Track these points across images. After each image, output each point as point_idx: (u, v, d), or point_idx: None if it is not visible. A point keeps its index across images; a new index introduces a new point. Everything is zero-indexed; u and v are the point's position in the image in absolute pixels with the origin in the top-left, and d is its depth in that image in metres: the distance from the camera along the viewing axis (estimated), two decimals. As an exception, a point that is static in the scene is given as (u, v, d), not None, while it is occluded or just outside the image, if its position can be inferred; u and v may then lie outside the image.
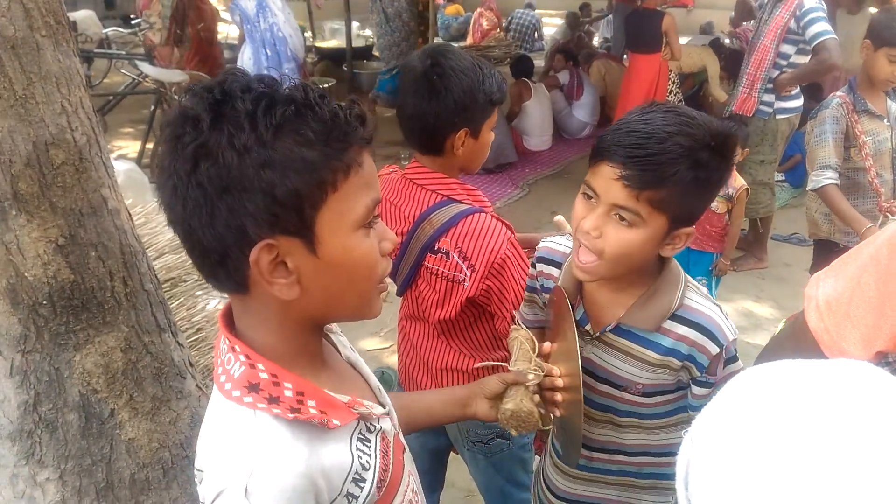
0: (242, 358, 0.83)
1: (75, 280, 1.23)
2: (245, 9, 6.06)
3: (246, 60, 5.83)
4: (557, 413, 1.29)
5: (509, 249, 1.60)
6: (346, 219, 0.81)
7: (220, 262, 0.80)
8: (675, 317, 1.22)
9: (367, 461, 0.89)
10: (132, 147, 6.26)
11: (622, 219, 1.12)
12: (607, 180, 1.12)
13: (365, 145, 0.83)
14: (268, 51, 5.83)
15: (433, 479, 2.11)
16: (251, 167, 0.74)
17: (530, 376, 1.26)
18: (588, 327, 1.31)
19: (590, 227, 1.14)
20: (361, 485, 0.88)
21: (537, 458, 2.04)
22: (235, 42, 10.18)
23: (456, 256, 1.61)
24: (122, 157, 5.81)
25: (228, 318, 0.89)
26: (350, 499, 0.87)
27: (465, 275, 1.61)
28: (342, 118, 0.80)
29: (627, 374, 1.28)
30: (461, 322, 1.74)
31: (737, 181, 3.42)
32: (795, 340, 1.04)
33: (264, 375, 0.82)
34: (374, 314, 0.91)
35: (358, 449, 0.89)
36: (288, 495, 0.79)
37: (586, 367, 1.30)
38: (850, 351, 0.93)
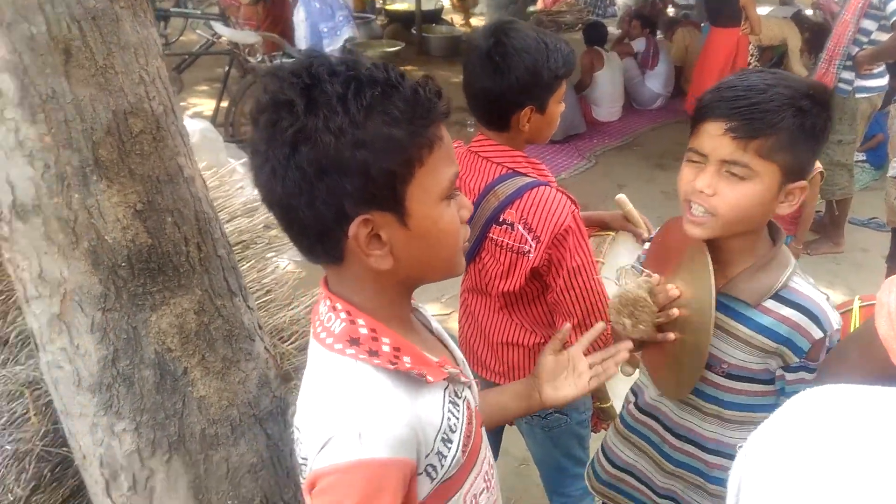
0: (343, 315, 0.88)
1: (153, 244, 1.28)
2: None
3: (300, 16, 5.96)
4: (671, 337, 1.27)
5: (572, 222, 1.61)
6: (432, 192, 0.85)
7: (319, 238, 0.85)
8: (778, 297, 1.20)
9: (454, 423, 0.93)
10: (207, 105, 6.42)
11: (733, 174, 1.11)
12: (713, 137, 1.12)
13: (443, 120, 0.88)
14: (317, 3, 5.92)
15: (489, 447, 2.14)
16: (347, 148, 0.78)
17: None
18: None
19: (703, 186, 1.14)
20: (449, 445, 0.91)
21: (594, 434, 2.05)
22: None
23: (521, 228, 1.63)
24: (196, 115, 5.97)
25: (327, 283, 0.94)
26: (440, 457, 0.90)
27: (531, 246, 1.63)
28: (423, 96, 0.83)
29: (716, 349, 1.25)
30: (525, 296, 1.75)
31: (816, 165, 3.27)
32: (864, 345, 1.01)
33: (364, 331, 0.87)
34: (458, 273, 0.97)
35: (448, 410, 0.93)
36: (398, 442, 0.82)
37: None
38: None
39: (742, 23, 5.21)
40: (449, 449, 0.91)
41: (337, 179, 0.79)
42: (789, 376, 1.22)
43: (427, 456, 0.88)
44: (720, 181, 1.13)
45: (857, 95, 4.00)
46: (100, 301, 1.25)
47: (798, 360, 1.19)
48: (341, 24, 5.89)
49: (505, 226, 1.66)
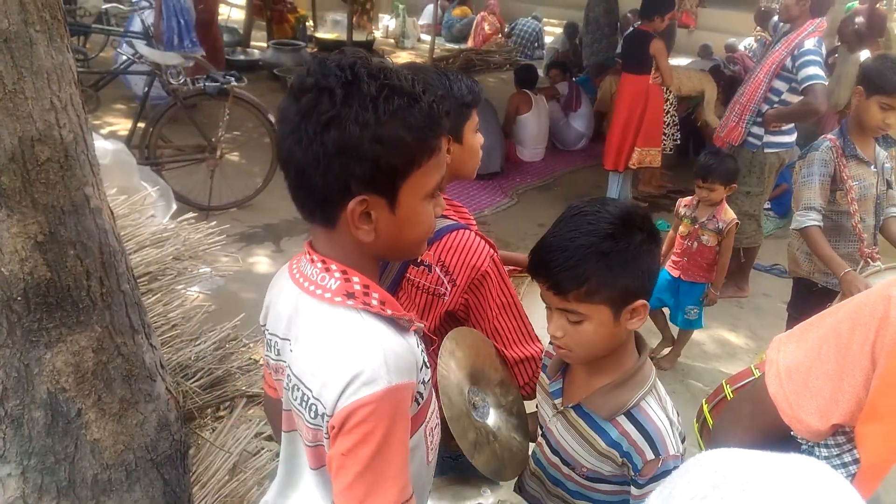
0: (338, 274, 1.03)
1: (52, 278, 1.23)
2: None
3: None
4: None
5: (490, 266, 1.63)
6: (421, 190, 1.03)
7: (320, 203, 1.01)
8: (628, 414, 1.28)
9: (426, 362, 1.11)
10: (123, 125, 6.21)
11: (570, 320, 1.27)
12: (545, 292, 1.30)
13: (446, 134, 1.07)
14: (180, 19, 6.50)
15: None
16: (367, 140, 0.95)
17: None
18: (558, 401, 1.41)
19: (553, 331, 1.31)
20: (425, 379, 1.09)
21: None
22: (235, 26, 10.14)
23: (438, 270, 1.63)
24: (112, 134, 5.76)
25: (312, 247, 1.09)
26: (422, 386, 1.08)
27: (447, 288, 1.63)
28: (436, 111, 1.02)
29: (575, 453, 1.36)
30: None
31: (727, 214, 3.48)
32: (755, 403, 1.06)
33: (357, 287, 1.03)
34: (416, 256, 1.32)
35: (421, 350, 1.11)
36: (409, 367, 1.01)
37: (546, 437, 1.45)
38: (808, 421, 0.94)
39: (653, 71, 5.45)
40: (425, 383, 1.09)
41: (351, 162, 0.96)
42: (633, 490, 1.31)
43: (420, 383, 1.05)
44: (566, 324, 1.27)
45: (766, 150, 4.23)
46: (-10, 337, 1.19)
47: (634, 474, 1.29)
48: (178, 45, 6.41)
49: (422, 267, 1.66)
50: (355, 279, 1.03)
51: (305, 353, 1.04)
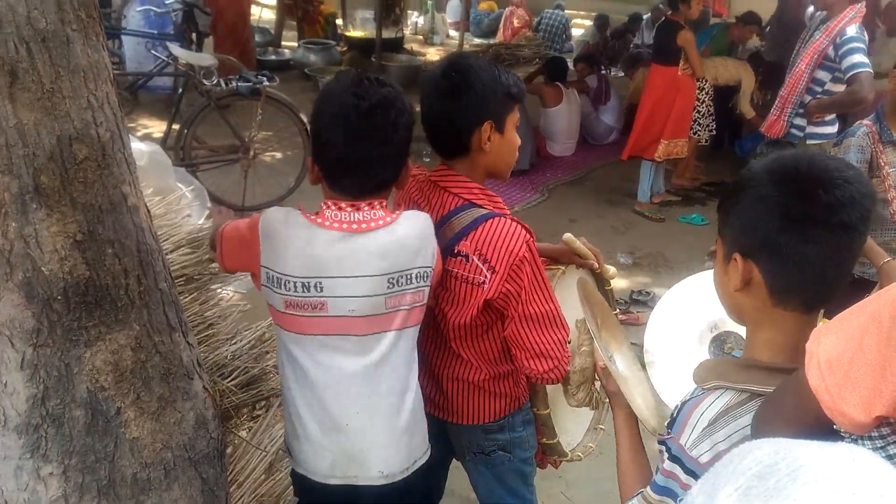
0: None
1: (91, 276, 1.23)
2: None
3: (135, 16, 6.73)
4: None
5: (527, 252, 1.62)
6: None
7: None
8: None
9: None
10: (158, 127, 6.29)
11: None
12: None
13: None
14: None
15: (435, 487, 2.11)
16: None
17: None
18: None
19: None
20: None
21: (540, 470, 2.04)
22: (266, 26, 10.23)
23: (476, 259, 1.63)
24: (146, 137, 5.85)
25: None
26: None
27: (486, 277, 1.63)
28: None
29: None
30: (474, 330, 1.75)
31: None
32: (796, 397, 1.02)
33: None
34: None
35: None
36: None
37: None
38: (851, 413, 0.90)
39: (682, 63, 5.35)
40: None
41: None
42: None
43: None
44: None
45: (809, 142, 4.13)
46: (32, 336, 1.19)
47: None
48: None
49: (460, 257, 1.65)
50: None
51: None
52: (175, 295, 1.43)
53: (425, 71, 9.74)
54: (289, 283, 1.47)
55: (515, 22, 11.52)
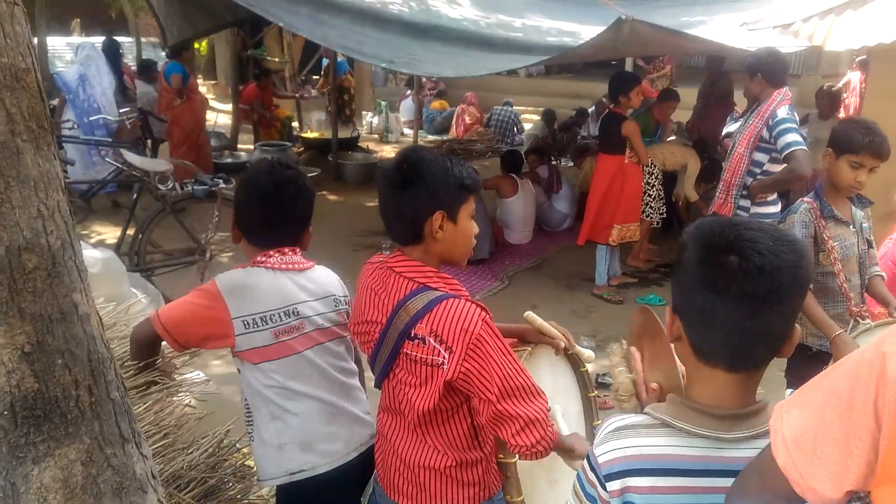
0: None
1: (39, 389, 1.19)
2: (68, 80, 7.36)
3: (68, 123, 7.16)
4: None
5: (484, 329, 1.62)
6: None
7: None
8: None
9: None
10: (112, 233, 6.24)
11: None
12: None
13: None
14: (85, 119, 7.27)
15: None
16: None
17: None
18: None
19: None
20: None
21: None
22: (222, 130, 10.41)
23: (433, 341, 1.63)
24: (100, 243, 5.78)
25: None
26: None
27: (444, 358, 1.62)
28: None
29: None
30: (439, 415, 1.72)
31: None
32: (765, 476, 1.02)
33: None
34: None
35: None
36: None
37: None
38: (821, 491, 0.90)
39: (628, 151, 5.60)
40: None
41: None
42: None
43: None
44: None
45: None
46: (-27, 455, 1.14)
47: None
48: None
49: (417, 340, 1.66)
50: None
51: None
52: (128, 404, 1.39)
53: (381, 166, 9.95)
54: (273, 316, 1.93)
55: (467, 119, 11.95)
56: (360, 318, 1.81)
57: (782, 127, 4.04)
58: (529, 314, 2.01)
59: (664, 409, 1.20)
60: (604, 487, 1.16)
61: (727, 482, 1.11)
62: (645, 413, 1.22)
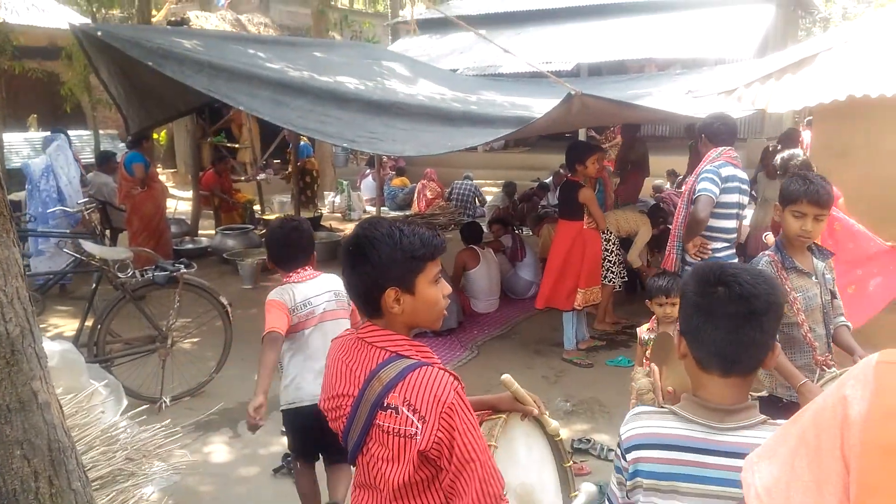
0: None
1: (-5, 483, 1.13)
2: (32, 172, 7.51)
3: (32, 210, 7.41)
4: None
5: (455, 399, 1.60)
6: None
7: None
8: None
9: None
10: (70, 325, 6.09)
11: None
12: None
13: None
14: (39, 208, 7.40)
15: None
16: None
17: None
18: None
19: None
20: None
21: None
22: (183, 217, 10.37)
23: (406, 410, 1.61)
24: (58, 335, 5.63)
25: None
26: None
27: (417, 428, 1.60)
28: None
29: None
30: (414, 488, 1.68)
31: None
32: None
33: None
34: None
35: None
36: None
37: None
38: None
39: (586, 217, 5.73)
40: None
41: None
42: None
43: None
44: None
45: None
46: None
47: None
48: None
49: (390, 410, 1.63)
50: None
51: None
52: (90, 495, 1.33)
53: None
54: (297, 307, 3.08)
55: (428, 194, 12.14)
56: (331, 392, 1.78)
57: (702, 177, 4.29)
58: (507, 377, 2.00)
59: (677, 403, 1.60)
60: (624, 458, 1.57)
61: (717, 460, 1.46)
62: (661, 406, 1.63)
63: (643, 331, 3.73)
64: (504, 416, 2.00)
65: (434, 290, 1.74)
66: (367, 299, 1.71)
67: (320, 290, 3.14)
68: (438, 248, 1.77)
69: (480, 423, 2.09)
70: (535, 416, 2.01)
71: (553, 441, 2.14)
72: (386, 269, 1.67)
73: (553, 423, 2.02)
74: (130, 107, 6.35)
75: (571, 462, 2.19)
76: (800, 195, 2.83)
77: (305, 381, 3.11)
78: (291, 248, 3.17)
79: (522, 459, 2.03)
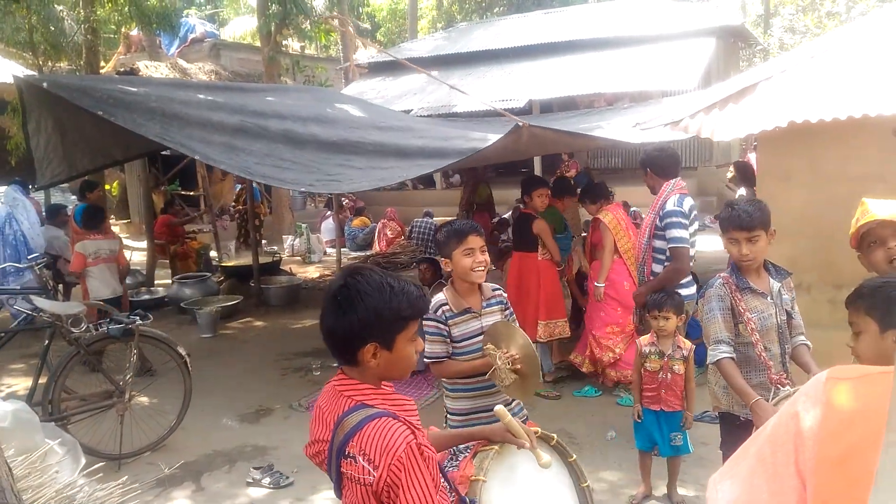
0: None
1: (-62, 554, 1.08)
2: None
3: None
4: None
5: (406, 452, 1.58)
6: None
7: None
8: None
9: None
10: (23, 384, 5.87)
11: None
12: None
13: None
14: (8, 251, 7.70)
15: None
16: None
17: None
18: None
19: None
20: None
21: None
22: (138, 268, 10.16)
23: (361, 459, 1.61)
24: (11, 395, 5.42)
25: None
26: None
27: (372, 476, 1.60)
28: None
29: None
30: None
31: (685, 342, 3.83)
32: None
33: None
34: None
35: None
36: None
37: None
38: None
39: (540, 248, 5.82)
40: None
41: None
42: None
43: None
44: None
45: None
46: None
47: None
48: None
49: (350, 458, 1.63)
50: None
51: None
52: (43, 560, 1.27)
53: (306, 287, 9.89)
54: None
55: (389, 233, 12.16)
56: (312, 437, 1.80)
57: (668, 220, 4.39)
58: (500, 408, 2.03)
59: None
60: None
61: None
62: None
63: (643, 343, 3.88)
64: (496, 447, 2.03)
65: (410, 348, 1.76)
66: (345, 348, 1.72)
67: None
68: (424, 309, 1.80)
69: (474, 455, 2.13)
70: (525, 447, 2.03)
71: (568, 463, 2.23)
72: (370, 325, 1.67)
73: (545, 458, 2.03)
74: (50, 160, 5.98)
75: (588, 483, 2.27)
76: (726, 224, 2.98)
77: None
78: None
79: (526, 485, 2.07)
